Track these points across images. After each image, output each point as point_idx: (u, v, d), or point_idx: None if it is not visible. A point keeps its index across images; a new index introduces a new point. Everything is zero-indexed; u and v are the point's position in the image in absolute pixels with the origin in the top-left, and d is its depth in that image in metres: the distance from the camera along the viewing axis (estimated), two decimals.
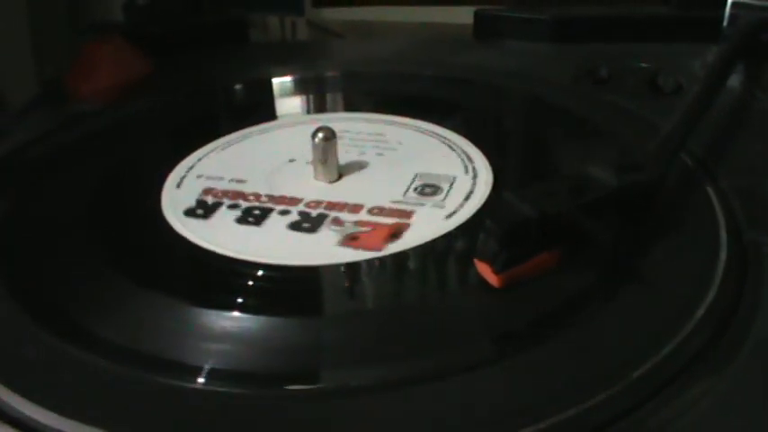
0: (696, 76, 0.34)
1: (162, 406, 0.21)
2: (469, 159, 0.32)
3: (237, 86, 0.44)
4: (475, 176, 0.31)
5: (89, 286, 0.26)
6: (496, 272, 0.24)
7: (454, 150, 0.33)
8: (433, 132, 0.35)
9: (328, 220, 0.28)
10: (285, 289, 0.26)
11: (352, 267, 0.26)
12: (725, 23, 0.39)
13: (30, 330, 0.24)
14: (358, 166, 0.32)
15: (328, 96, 0.43)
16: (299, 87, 0.44)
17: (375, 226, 0.28)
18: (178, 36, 0.49)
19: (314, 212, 0.29)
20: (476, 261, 0.24)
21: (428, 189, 0.30)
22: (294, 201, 0.30)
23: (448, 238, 0.27)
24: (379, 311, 0.25)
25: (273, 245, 0.27)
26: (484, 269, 0.24)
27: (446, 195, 0.30)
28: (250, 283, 0.26)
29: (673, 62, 0.40)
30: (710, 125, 0.33)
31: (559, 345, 0.22)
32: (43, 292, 0.26)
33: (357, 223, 0.28)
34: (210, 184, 0.32)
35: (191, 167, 0.33)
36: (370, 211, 0.29)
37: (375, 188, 0.31)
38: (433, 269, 0.27)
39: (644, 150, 0.28)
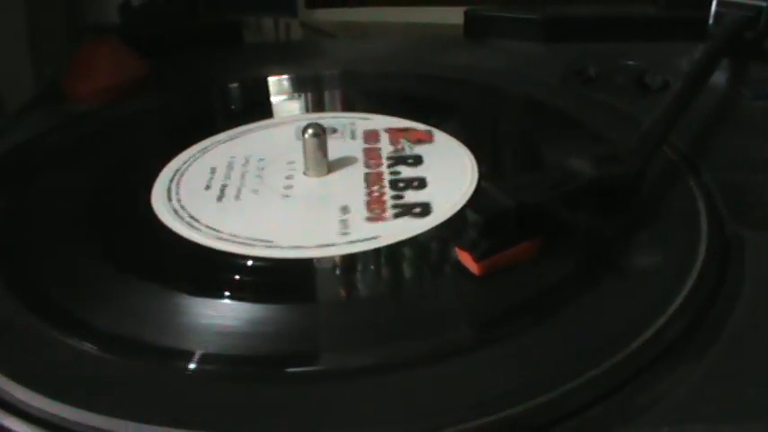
0: (683, 74, 0.34)
1: (160, 391, 0.21)
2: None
3: (231, 86, 0.44)
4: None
5: (89, 282, 0.26)
6: (477, 260, 0.24)
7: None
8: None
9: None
10: (283, 276, 0.27)
11: (347, 257, 0.26)
12: (711, 22, 0.39)
13: (27, 321, 0.24)
14: (347, 161, 0.33)
15: (317, 95, 0.43)
16: (291, 87, 0.44)
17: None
18: (174, 37, 0.49)
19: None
20: (457, 249, 0.25)
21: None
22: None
23: (434, 228, 0.28)
24: (363, 299, 0.26)
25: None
26: (465, 257, 0.24)
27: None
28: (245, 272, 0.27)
29: (660, 61, 0.41)
30: (695, 121, 0.33)
31: (538, 332, 0.22)
32: (43, 288, 0.26)
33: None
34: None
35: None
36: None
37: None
38: (417, 259, 0.27)
39: (624, 144, 0.28)
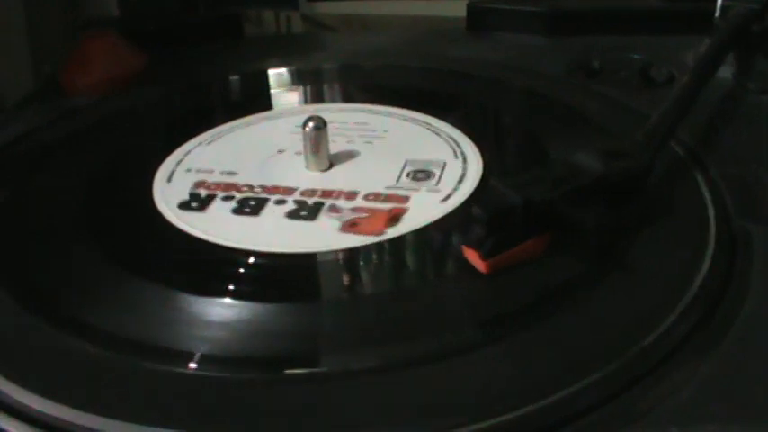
0: (688, 68, 0.34)
1: (163, 392, 0.21)
2: (458, 145, 0.33)
3: (230, 79, 0.44)
4: (465, 161, 0.31)
5: (89, 279, 0.26)
6: (483, 258, 0.24)
7: (442, 137, 0.34)
8: (423, 122, 0.35)
9: (325, 207, 0.29)
10: (292, 276, 0.26)
11: (351, 253, 0.26)
12: (717, 15, 0.39)
13: (27, 320, 0.24)
14: (348, 155, 0.33)
15: (317, 88, 0.43)
16: (290, 79, 0.44)
17: (373, 211, 0.28)
18: (173, 31, 0.49)
19: (310, 201, 0.29)
20: (463, 247, 0.24)
21: (420, 174, 0.30)
22: (288, 191, 0.30)
23: (446, 220, 0.28)
24: (378, 297, 0.25)
25: (274, 234, 0.27)
26: (471, 255, 0.24)
27: (439, 180, 0.30)
28: (257, 271, 0.26)
29: (665, 54, 0.40)
30: (701, 115, 0.33)
31: (546, 330, 0.22)
32: (41, 285, 0.26)
33: (354, 209, 0.28)
34: (201, 176, 0.32)
35: (180, 161, 0.33)
36: (366, 198, 0.29)
37: (367, 175, 0.31)
38: (434, 253, 0.27)
39: (631, 139, 0.28)
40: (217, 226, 0.28)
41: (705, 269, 0.24)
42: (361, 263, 0.26)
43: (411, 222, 0.27)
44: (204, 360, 0.22)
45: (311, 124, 0.31)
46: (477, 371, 0.21)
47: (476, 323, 0.24)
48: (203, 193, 0.30)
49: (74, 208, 0.30)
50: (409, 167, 0.31)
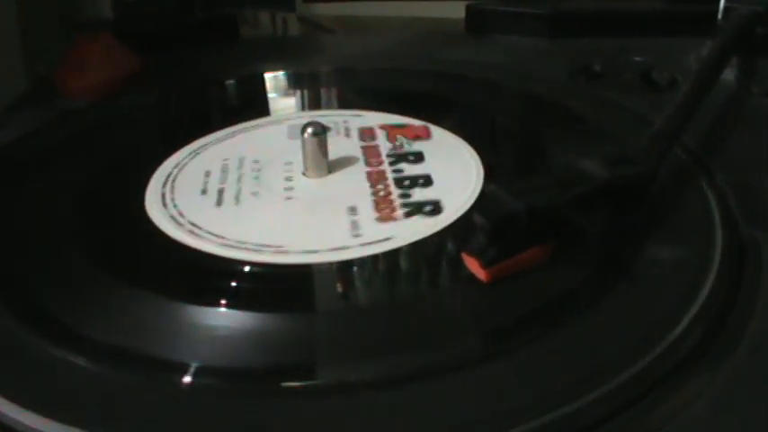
0: (691, 71, 0.34)
1: (157, 404, 0.20)
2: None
3: (228, 82, 0.43)
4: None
5: (79, 287, 0.26)
6: (484, 266, 0.23)
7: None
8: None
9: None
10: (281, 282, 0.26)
11: (344, 263, 0.26)
12: (719, 17, 0.39)
13: (17, 332, 0.23)
14: (347, 161, 0.32)
15: (314, 91, 0.43)
16: (290, 83, 0.43)
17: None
18: (168, 33, 0.48)
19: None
20: (464, 255, 0.24)
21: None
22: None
23: (441, 232, 0.27)
24: (366, 308, 0.25)
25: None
26: (472, 264, 0.24)
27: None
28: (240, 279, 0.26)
29: (667, 57, 0.40)
30: (706, 120, 0.33)
31: (550, 342, 0.22)
32: (31, 292, 0.25)
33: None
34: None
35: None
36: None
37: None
38: (424, 264, 0.26)
39: (635, 144, 0.27)
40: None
41: (713, 277, 0.23)
42: (359, 273, 0.26)
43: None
44: (199, 372, 0.21)
45: (310, 130, 0.30)
46: (478, 384, 0.20)
47: (476, 334, 0.23)
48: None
49: (65, 213, 0.30)
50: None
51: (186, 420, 0.20)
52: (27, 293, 0.25)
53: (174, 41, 0.48)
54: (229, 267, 0.26)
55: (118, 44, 0.43)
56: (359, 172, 0.31)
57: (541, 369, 0.21)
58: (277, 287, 0.25)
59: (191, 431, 0.20)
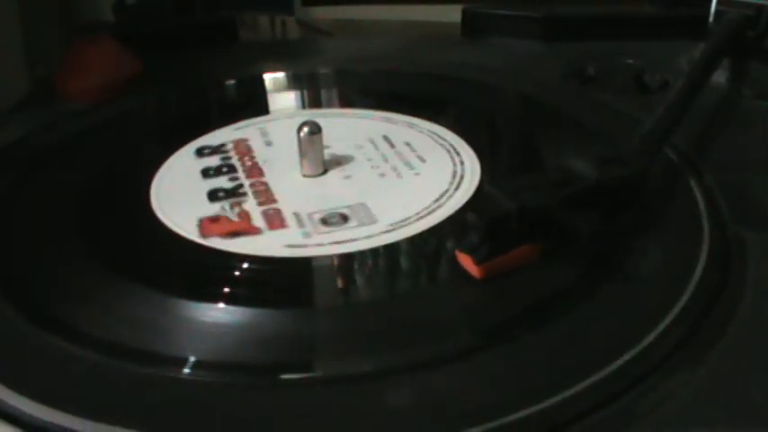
0: (683, 73, 0.34)
1: (157, 397, 0.21)
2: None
3: (228, 84, 0.44)
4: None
5: (85, 285, 0.26)
6: (478, 263, 0.24)
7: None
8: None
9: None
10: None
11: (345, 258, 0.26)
12: (711, 21, 0.39)
13: (22, 327, 0.24)
14: (343, 160, 0.33)
15: (313, 92, 0.43)
16: (286, 84, 0.44)
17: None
18: (168, 35, 0.49)
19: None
20: (458, 253, 0.24)
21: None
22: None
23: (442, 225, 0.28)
24: (362, 303, 0.25)
25: None
26: (466, 261, 0.24)
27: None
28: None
29: (660, 60, 0.41)
30: (696, 121, 0.33)
31: (540, 336, 0.22)
32: (38, 290, 0.26)
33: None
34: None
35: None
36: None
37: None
38: (428, 258, 0.27)
39: (626, 145, 0.28)
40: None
41: (699, 275, 0.24)
42: (355, 269, 0.26)
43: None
44: (199, 365, 0.22)
45: (306, 129, 0.31)
46: (469, 377, 0.21)
47: (469, 329, 0.24)
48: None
49: (69, 212, 0.30)
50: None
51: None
52: (34, 291, 0.26)
53: (175, 44, 0.48)
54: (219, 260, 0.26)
55: (118, 47, 0.43)
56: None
57: (530, 362, 0.21)
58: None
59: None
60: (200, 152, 0.34)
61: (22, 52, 0.53)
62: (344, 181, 0.31)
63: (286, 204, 0.29)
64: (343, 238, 0.27)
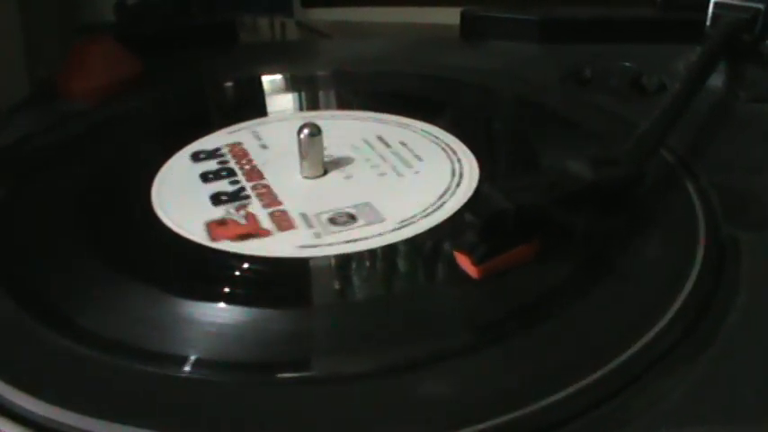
0: (679, 76, 0.34)
1: (159, 395, 0.21)
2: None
3: (227, 85, 0.44)
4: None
5: (85, 283, 0.26)
6: (475, 263, 0.24)
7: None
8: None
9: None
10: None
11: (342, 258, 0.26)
12: (707, 24, 0.39)
13: (25, 325, 0.24)
14: (343, 161, 0.33)
15: (312, 94, 0.43)
16: (285, 85, 0.44)
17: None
18: (168, 37, 0.49)
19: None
20: (455, 252, 0.25)
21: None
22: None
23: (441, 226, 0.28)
24: (361, 302, 0.26)
25: None
26: (463, 260, 0.24)
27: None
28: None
29: (656, 63, 0.41)
30: (692, 123, 0.33)
31: (536, 335, 0.22)
32: (40, 289, 0.26)
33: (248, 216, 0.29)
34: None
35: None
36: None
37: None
38: (426, 258, 0.27)
39: (622, 146, 0.28)
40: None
41: (694, 276, 0.24)
42: (355, 266, 0.26)
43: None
44: (200, 364, 0.22)
45: (306, 131, 0.31)
46: (464, 376, 0.21)
47: (465, 328, 0.24)
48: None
49: (71, 212, 0.30)
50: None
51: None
52: (35, 289, 0.26)
53: (175, 45, 0.48)
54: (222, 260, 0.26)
55: (119, 47, 0.43)
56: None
57: (526, 361, 0.21)
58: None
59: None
60: (195, 157, 0.34)
61: (23, 53, 0.53)
62: (346, 181, 0.31)
63: (291, 206, 0.29)
64: (355, 237, 0.27)
